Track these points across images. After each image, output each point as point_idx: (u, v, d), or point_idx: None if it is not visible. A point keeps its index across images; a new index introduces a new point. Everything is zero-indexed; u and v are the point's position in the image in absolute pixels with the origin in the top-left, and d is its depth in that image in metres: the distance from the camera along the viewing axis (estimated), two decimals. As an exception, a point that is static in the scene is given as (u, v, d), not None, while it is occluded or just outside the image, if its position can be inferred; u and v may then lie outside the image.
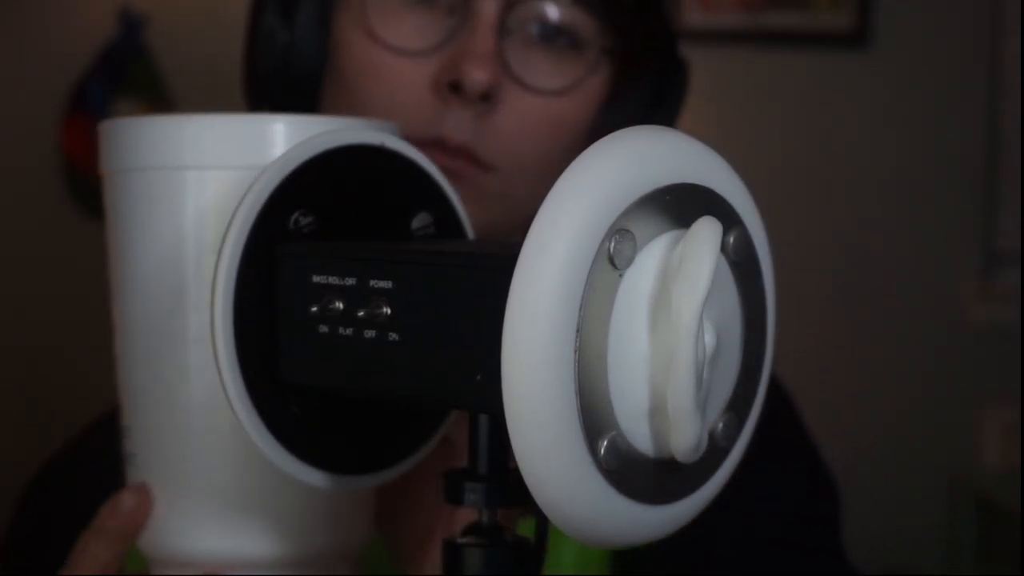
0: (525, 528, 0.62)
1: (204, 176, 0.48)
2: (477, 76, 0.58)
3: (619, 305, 0.33)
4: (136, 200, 0.50)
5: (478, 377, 0.36)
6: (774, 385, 0.77)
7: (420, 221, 0.47)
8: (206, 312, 0.46)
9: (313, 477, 0.44)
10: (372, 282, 0.39)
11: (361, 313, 0.39)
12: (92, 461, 0.76)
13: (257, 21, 0.65)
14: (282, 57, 0.64)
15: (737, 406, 0.38)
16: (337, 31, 0.63)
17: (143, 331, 0.51)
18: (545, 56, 0.62)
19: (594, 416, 0.33)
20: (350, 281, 0.40)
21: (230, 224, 0.42)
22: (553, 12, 0.62)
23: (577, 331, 0.32)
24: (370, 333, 0.39)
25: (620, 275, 0.33)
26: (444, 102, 0.60)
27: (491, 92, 0.59)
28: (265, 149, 0.48)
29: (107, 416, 0.79)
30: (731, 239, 0.36)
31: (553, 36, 0.62)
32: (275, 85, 0.65)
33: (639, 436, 0.34)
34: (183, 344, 0.49)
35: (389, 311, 0.39)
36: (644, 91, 0.66)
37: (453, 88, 0.59)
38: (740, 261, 0.37)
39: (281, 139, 0.48)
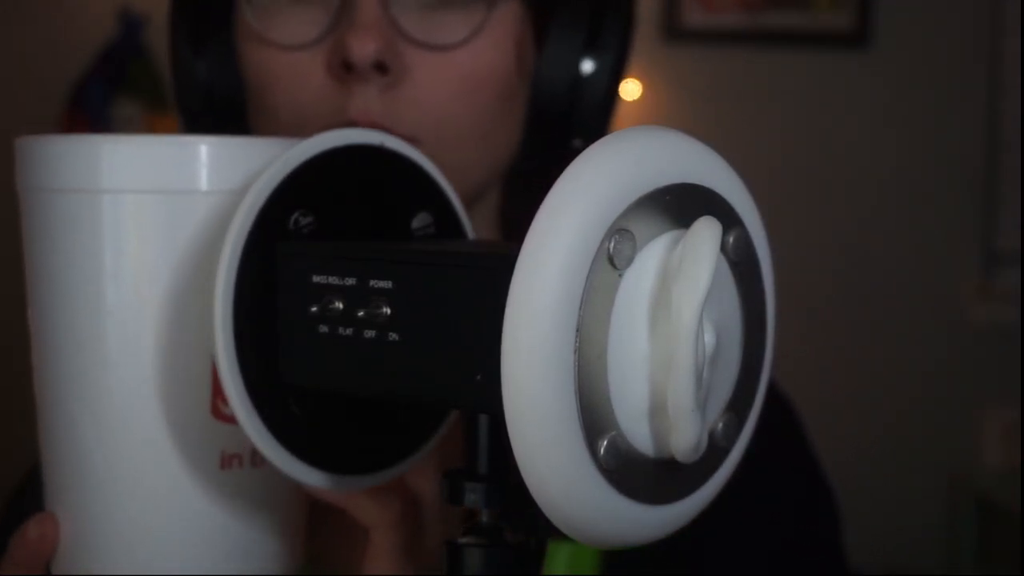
0: (556, 550, 0.62)
1: (120, 200, 0.46)
2: (362, 47, 0.56)
3: (619, 305, 0.33)
4: (52, 222, 0.48)
5: (478, 377, 0.36)
6: (773, 393, 0.77)
7: (420, 221, 0.47)
8: (120, 336, 0.46)
9: (313, 477, 0.44)
10: (372, 282, 0.39)
11: (361, 313, 0.39)
12: None
13: (173, 58, 0.65)
14: (202, 89, 0.64)
15: (737, 406, 0.38)
16: (238, 49, 0.63)
17: (55, 352, 0.49)
18: (440, 12, 0.59)
19: (594, 416, 0.33)
20: (350, 281, 0.40)
21: (230, 224, 0.42)
22: None
23: (577, 331, 0.32)
24: (370, 333, 0.39)
25: (620, 275, 0.33)
26: (345, 85, 0.58)
27: (384, 60, 0.57)
28: (188, 172, 0.45)
29: None
30: (731, 239, 0.36)
31: None
32: (203, 114, 0.64)
33: (639, 436, 0.34)
34: (97, 367, 0.47)
35: (389, 311, 0.39)
36: (573, 29, 0.63)
37: (346, 67, 0.57)
38: (740, 261, 0.37)
39: (204, 161, 0.45)
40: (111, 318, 0.47)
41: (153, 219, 0.45)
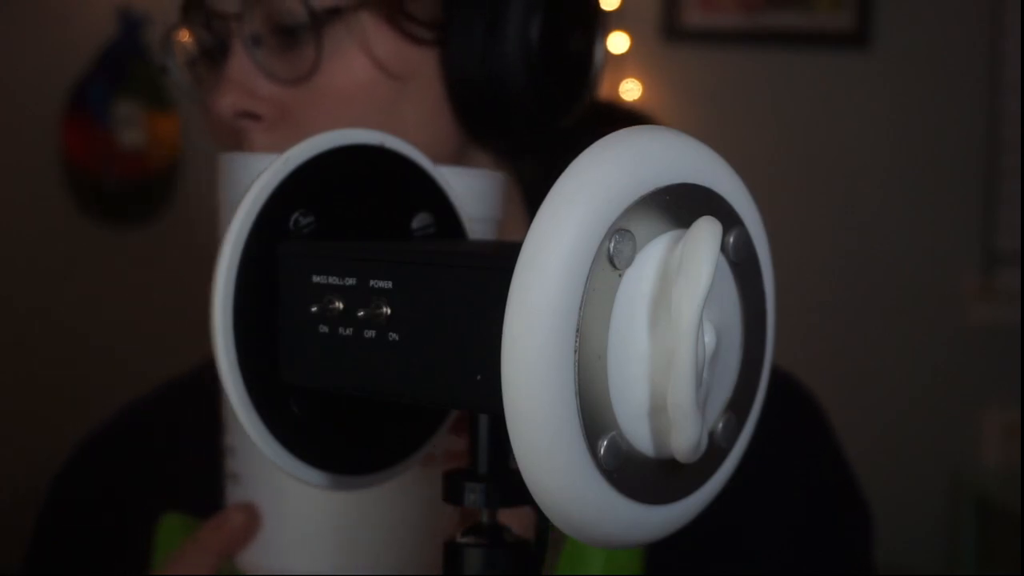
0: (592, 551, 0.63)
1: None
2: (219, 104, 0.61)
3: (619, 305, 0.33)
4: None
5: (478, 377, 0.36)
6: (805, 399, 0.77)
7: (420, 221, 0.47)
8: None
9: (313, 477, 0.44)
10: (372, 282, 0.39)
11: (361, 313, 0.39)
12: (130, 446, 0.77)
13: None
14: None
15: (737, 406, 0.38)
16: None
17: None
18: (293, 50, 0.62)
19: (594, 416, 0.33)
20: (350, 281, 0.40)
21: (230, 223, 0.42)
22: (268, 11, 0.62)
23: (577, 331, 0.32)
24: (370, 333, 0.39)
25: (620, 275, 0.33)
26: (243, 132, 0.63)
27: (248, 110, 0.61)
28: None
29: (142, 401, 0.80)
30: (731, 239, 0.36)
31: (284, 30, 0.62)
32: None
33: (639, 436, 0.34)
34: None
35: (389, 311, 0.39)
36: (468, 8, 0.63)
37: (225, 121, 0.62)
38: (740, 261, 0.37)
39: None
40: None
41: None
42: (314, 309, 0.41)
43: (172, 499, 0.69)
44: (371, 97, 0.63)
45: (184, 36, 0.67)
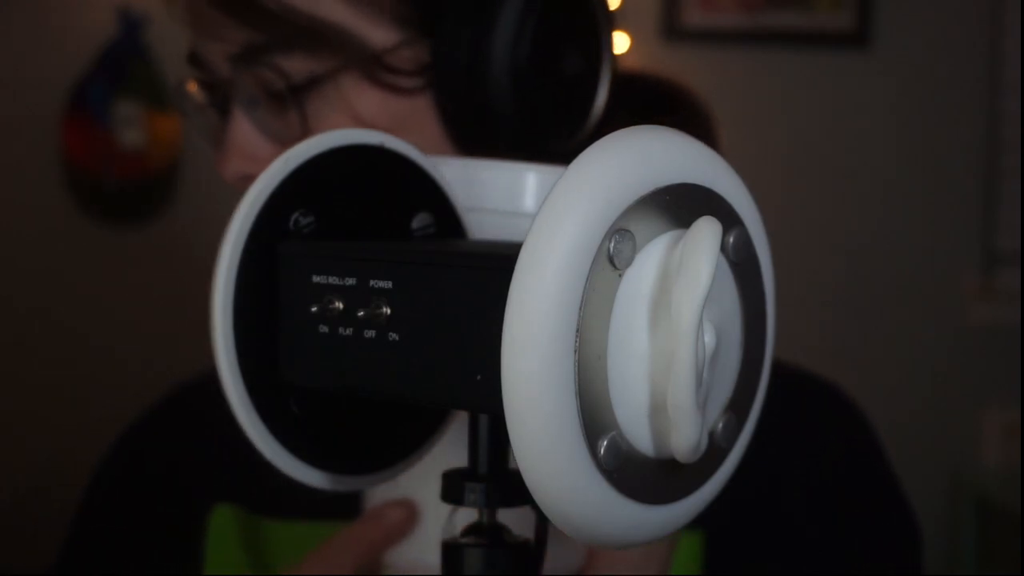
0: None
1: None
2: (222, 170, 0.62)
3: (619, 305, 0.33)
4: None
5: (478, 377, 0.36)
6: (854, 412, 0.77)
7: (420, 221, 0.47)
8: None
9: (313, 477, 0.44)
10: (372, 282, 0.39)
11: (361, 313, 0.39)
12: (177, 430, 0.77)
13: None
14: None
15: (737, 406, 0.37)
16: None
17: None
18: (280, 111, 0.62)
19: (594, 416, 0.33)
20: (350, 281, 0.40)
21: (230, 224, 0.42)
22: (252, 78, 0.61)
23: (577, 331, 0.32)
24: (370, 333, 0.39)
25: (620, 275, 0.33)
26: None
27: (247, 175, 0.61)
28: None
29: (185, 388, 0.80)
30: (731, 239, 0.36)
31: (274, 95, 0.62)
32: None
33: (639, 436, 0.34)
34: None
35: (389, 311, 0.39)
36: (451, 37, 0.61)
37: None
38: (740, 261, 0.37)
39: None
40: None
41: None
42: (314, 309, 0.41)
43: (220, 486, 0.69)
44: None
45: (193, 87, 0.67)
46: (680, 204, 0.35)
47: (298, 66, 0.60)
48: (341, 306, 0.40)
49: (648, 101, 0.76)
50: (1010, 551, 2.01)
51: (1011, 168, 2.23)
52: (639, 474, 0.34)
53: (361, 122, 0.61)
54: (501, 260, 0.34)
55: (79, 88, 2.19)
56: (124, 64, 2.20)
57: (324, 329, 0.41)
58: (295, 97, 0.60)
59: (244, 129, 0.62)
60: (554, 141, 0.62)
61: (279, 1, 0.59)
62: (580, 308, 0.32)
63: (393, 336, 0.39)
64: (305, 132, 0.61)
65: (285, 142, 0.61)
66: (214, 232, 0.53)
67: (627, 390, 0.33)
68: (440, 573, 0.48)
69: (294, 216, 0.43)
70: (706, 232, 0.33)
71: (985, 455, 2.26)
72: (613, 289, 0.33)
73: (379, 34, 0.60)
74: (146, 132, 2.23)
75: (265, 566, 0.67)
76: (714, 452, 0.37)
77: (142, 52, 2.19)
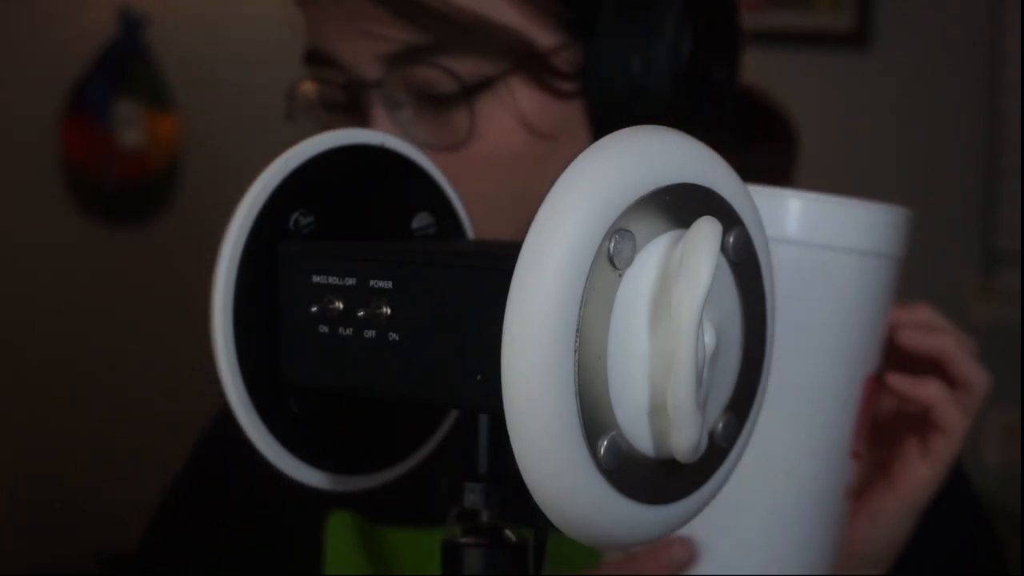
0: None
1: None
2: None
3: (619, 305, 0.33)
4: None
5: (478, 377, 0.36)
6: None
7: (420, 221, 0.47)
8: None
9: (313, 477, 0.44)
10: (372, 282, 0.39)
11: (361, 313, 0.39)
12: None
13: None
14: None
15: (737, 406, 0.37)
16: None
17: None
18: (444, 112, 0.61)
19: (594, 416, 0.33)
20: (350, 281, 0.40)
21: (230, 224, 0.42)
22: (412, 78, 0.60)
23: (577, 331, 0.32)
24: (370, 333, 0.39)
25: (620, 275, 0.33)
26: None
27: None
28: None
29: None
30: (731, 239, 0.36)
31: (429, 97, 0.61)
32: None
33: (639, 436, 0.34)
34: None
35: (389, 311, 0.39)
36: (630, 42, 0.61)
37: None
38: (740, 261, 0.37)
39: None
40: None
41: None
42: (314, 309, 0.41)
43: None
44: (521, 159, 0.62)
45: (309, 87, 0.65)
46: (680, 204, 0.35)
47: (460, 67, 0.59)
48: (341, 306, 0.40)
49: (743, 113, 0.76)
50: (1010, 551, 2.01)
51: (1011, 168, 2.23)
52: (639, 474, 0.34)
53: (526, 124, 0.61)
54: (501, 260, 0.34)
55: (79, 88, 2.19)
56: (124, 64, 2.20)
57: (324, 329, 0.41)
58: (467, 98, 0.60)
59: (387, 131, 0.60)
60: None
61: (447, 2, 0.58)
62: (580, 308, 0.32)
63: (393, 336, 0.39)
64: (471, 135, 0.60)
65: (439, 148, 0.60)
66: (214, 232, 0.53)
67: (627, 390, 0.33)
68: None
69: (294, 216, 0.43)
70: (706, 232, 0.33)
71: (985, 455, 2.26)
72: (613, 289, 0.33)
73: (543, 35, 0.60)
74: (146, 132, 2.23)
75: (387, 569, 0.67)
76: (714, 452, 0.37)
77: (142, 52, 2.19)
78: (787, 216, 0.52)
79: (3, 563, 2.10)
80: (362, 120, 0.62)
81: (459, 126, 0.60)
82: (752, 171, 0.61)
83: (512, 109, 0.61)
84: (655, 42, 0.60)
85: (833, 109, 2.25)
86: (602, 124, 0.61)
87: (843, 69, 2.24)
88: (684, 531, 0.52)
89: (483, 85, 0.60)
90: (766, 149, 0.70)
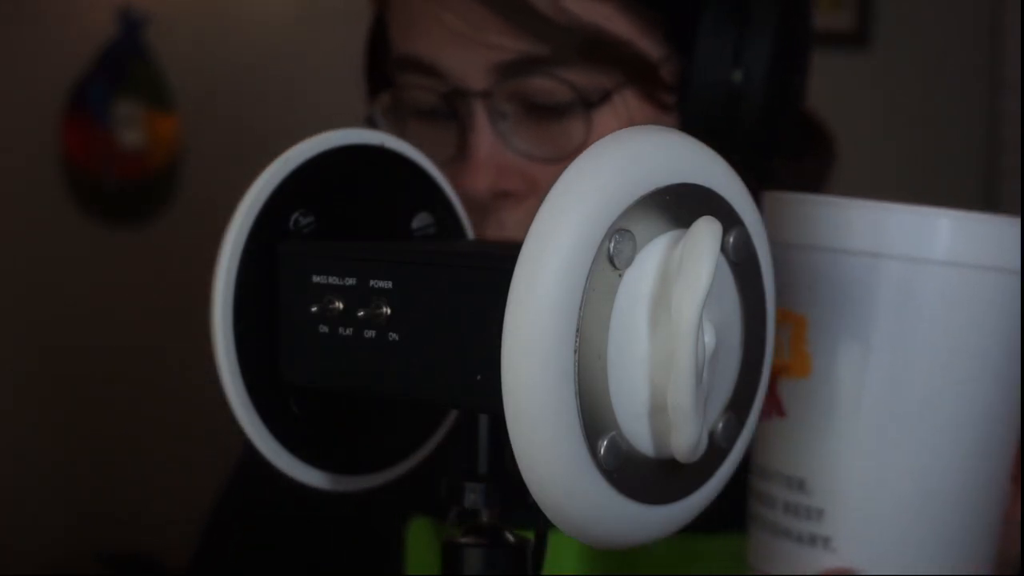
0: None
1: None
2: (473, 186, 0.59)
3: (619, 305, 0.33)
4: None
5: (478, 377, 0.36)
6: None
7: (420, 221, 0.47)
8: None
9: (313, 477, 0.44)
10: (372, 282, 0.39)
11: (361, 313, 0.39)
12: None
13: None
14: None
15: (737, 406, 0.38)
16: None
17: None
18: (549, 123, 0.60)
19: (594, 416, 0.33)
20: (350, 281, 0.40)
21: (230, 224, 0.42)
22: (525, 89, 0.60)
23: (577, 331, 0.32)
24: (370, 333, 0.39)
25: (620, 275, 0.33)
26: (491, 209, 0.60)
27: (501, 189, 0.59)
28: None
29: None
30: (731, 239, 0.36)
31: (538, 108, 0.60)
32: None
33: (639, 436, 0.34)
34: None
35: (389, 311, 0.39)
36: (719, 57, 0.62)
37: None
38: (740, 261, 0.37)
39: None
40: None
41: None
42: (314, 309, 0.41)
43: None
44: None
45: (394, 95, 0.64)
46: (680, 204, 0.35)
47: (575, 78, 0.59)
48: (341, 306, 0.40)
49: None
50: (1010, 551, 2.00)
51: (1011, 168, 2.23)
52: (639, 474, 0.34)
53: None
54: (501, 260, 0.34)
55: (79, 88, 2.19)
56: (124, 64, 2.20)
57: (324, 329, 0.41)
58: (586, 110, 0.59)
59: (491, 141, 0.60)
60: (780, 167, 0.64)
61: (567, 13, 0.58)
62: (580, 308, 0.32)
63: (393, 336, 0.39)
64: (586, 146, 0.60)
65: (549, 160, 0.60)
66: (214, 232, 0.53)
67: (627, 390, 0.33)
68: None
69: (294, 216, 0.43)
70: (706, 232, 0.33)
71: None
72: (613, 289, 0.33)
73: (651, 48, 0.60)
74: (146, 132, 2.23)
75: None
76: (714, 452, 0.37)
77: (142, 52, 2.19)
78: (937, 235, 0.49)
79: (3, 563, 2.10)
80: (458, 129, 0.61)
81: (572, 137, 0.60)
82: (796, 181, 0.62)
83: (625, 121, 0.61)
84: (753, 57, 0.61)
85: (833, 109, 2.25)
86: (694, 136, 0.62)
87: (843, 69, 2.24)
88: (844, 563, 0.50)
89: (604, 96, 0.60)
90: (811, 158, 0.70)
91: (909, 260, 0.48)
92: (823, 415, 0.49)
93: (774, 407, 0.51)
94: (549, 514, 0.34)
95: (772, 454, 0.52)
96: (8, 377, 2.15)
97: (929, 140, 2.24)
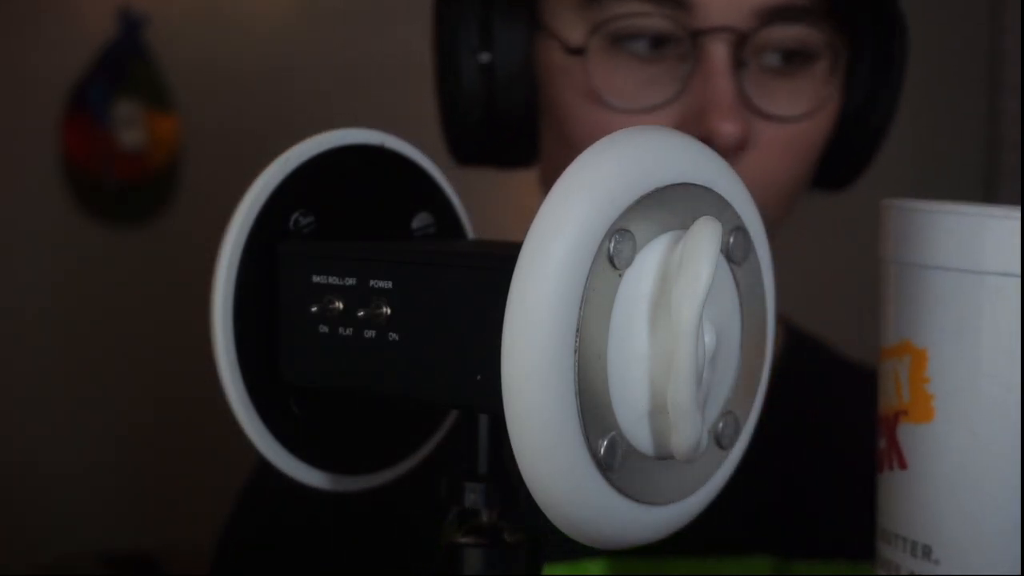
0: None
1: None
2: (728, 130, 0.57)
3: (619, 305, 0.33)
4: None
5: (478, 377, 0.36)
6: None
7: (420, 221, 0.47)
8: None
9: (313, 477, 0.44)
10: (372, 282, 0.39)
11: (361, 313, 0.39)
12: None
13: (450, 65, 0.64)
14: (484, 105, 0.63)
15: (737, 406, 0.38)
16: (552, 91, 0.62)
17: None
18: (783, 81, 0.60)
19: (594, 416, 0.33)
20: (350, 281, 0.40)
21: (230, 224, 0.42)
22: (782, 36, 0.59)
23: (577, 331, 0.32)
24: (370, 333, 0.39)
25: (620, 275, 0.33)
26: None
27: (746, 139, 0.58)
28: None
29: None
30: (731, 239, 0.36)
31: (788, 59, 0.60)
32: (479, 127, 0.64)
33: (639, 436, 0.34)
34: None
35: (389, 311, 0.39)
36: (870, 70, 0.66)
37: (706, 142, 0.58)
38: (740, 261, 0.37)
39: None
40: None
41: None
42: (314, 309, 0.41)
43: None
44: (820, 150, 0.64)
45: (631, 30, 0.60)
46: (680, 204, 0.35)
47: (817, 35, 0.61)
48: (341, 306, 0.40)
49: None
50: None
51: (1011, 168, 2.23)
52: (639, 474, 0.34)
53: (838, 114, 0.64)
54: (501, 260, 0.34)
55: (79, 88, 2.19)
56: (124, 64, 2.20)
57: (324, 329, 0.41)
58: (835, 71, 0.62)
59: (734, 87, 0.58)
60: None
61: None
62: (580, 308, 0.32)
63: (393, 336, 0.39)
64: (820, 107, 0.62)
65: (758, 110, 0.59)
66: (214, 232, 0.53)
67: (627, 390, 0.33)
68: None
69: (294, 216, 0.43)
70: (706, 232, 0.33)
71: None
72: (613, 289, 0.33)
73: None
74: (146, 132, 2.23)
75: None
76: (714, 452, 0.37)
77: (142, 52, 2.19)
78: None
79: (3, 563, 2.10)
80: (693, 69, 0.59)
81: (808, 97, 0.61)
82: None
83: (840, 95, 0.64)
84: (887, 93, 0.69)
85: (833, 109, 2.25)
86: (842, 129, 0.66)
87: (843, 69, 2.24)
88: None
89: (851, 61, 0.63)
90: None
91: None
92: (949, 467, 0.42)
93: (895, 455, 0.44)
94: (549, 514, 0.34)
95: (893, 513, 0.44)
96: (8, 376, 2.15)
97: (929, 139, 2.24)
